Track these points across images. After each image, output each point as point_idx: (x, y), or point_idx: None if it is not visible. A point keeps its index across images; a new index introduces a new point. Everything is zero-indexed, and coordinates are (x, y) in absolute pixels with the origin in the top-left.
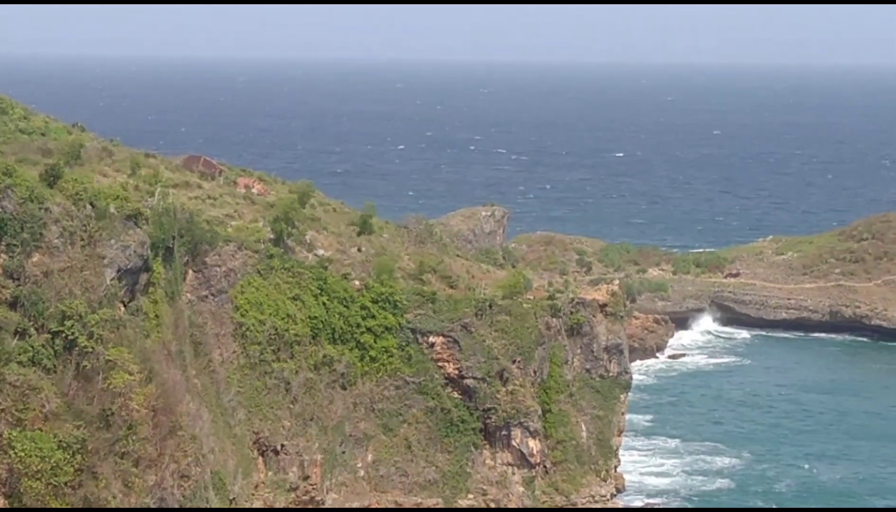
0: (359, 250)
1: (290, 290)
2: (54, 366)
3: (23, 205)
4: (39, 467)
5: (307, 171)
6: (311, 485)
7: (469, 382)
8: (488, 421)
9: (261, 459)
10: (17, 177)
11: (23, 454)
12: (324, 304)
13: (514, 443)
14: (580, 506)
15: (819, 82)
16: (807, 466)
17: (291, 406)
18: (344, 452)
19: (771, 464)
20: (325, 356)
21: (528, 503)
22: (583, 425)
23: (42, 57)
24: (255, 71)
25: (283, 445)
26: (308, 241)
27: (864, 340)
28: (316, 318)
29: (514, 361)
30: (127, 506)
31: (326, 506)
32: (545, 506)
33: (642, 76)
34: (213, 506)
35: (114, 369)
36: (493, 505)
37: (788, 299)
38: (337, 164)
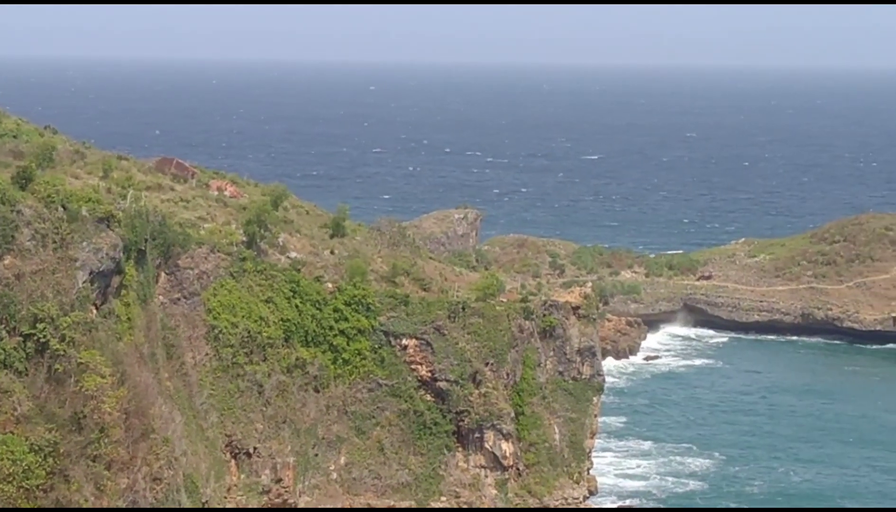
0: (332, 253)
1: (262, 292)
2: (26, 369)
3: None
4: (11, 470)
5: (281, 174)
6: (284, 488)
7: (442, 384)
8: (461, 423)
9: (233, 461)
10: None
11: None
12: (296, 306)
13: (486, 445)
14: (553, 507)
15: (793, 85)
16: (779, 468)
17: (264, 409)
18: (317, 455)
19: (743, 465)
20: (297, 359)
21: (501, 505)
22: (556, 428)
23: (13, 59)
24: (228, 73)
25: (255, 448)
26: (281, 243)
27: (837, 342)
28: (289, 320)
29: (486, 364)
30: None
31: (301, 507)
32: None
33: (616, 79)
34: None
35: (86, 372)
36: (465, 507)
37: (761, 302)
38: (312, 167)
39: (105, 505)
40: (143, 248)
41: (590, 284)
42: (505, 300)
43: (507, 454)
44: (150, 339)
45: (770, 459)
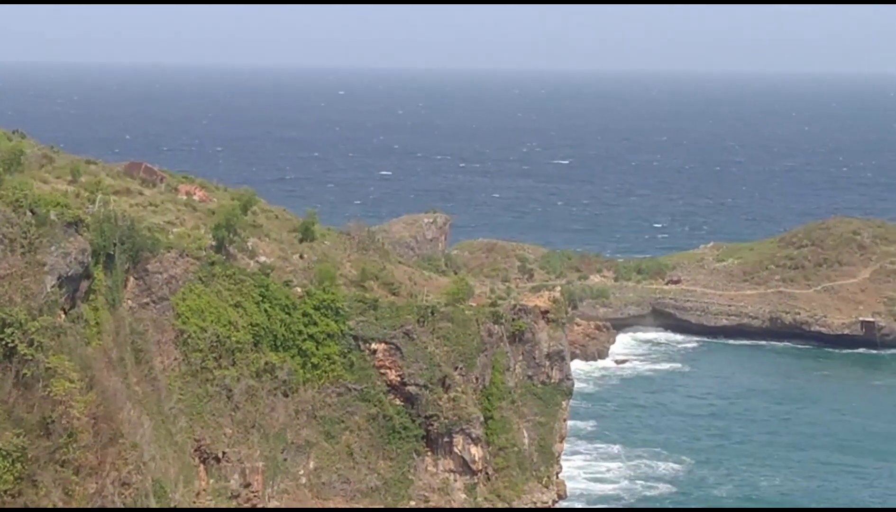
0: (301, 257)
1: (231, 297)
2: None
3: None
4: None
5: (251, 179)
6: (253, 492)
7: (411, 388)
8: (430, 428)
9: (202, 466)
10: None
11: None
12: (266, 311)
13: (456, 450)
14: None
15: (765, 90)
16: (748, 472)
17: (233, 413)
18: (286, 460)
19: (712, 470)
20: (266, 363)
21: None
22: (525, 432)
23: None
24: (199, 78)
25: (224, 453)
26: (250, 248)
27: (806, 346)
28: (258, 325)
29: (456, 368)
30: None
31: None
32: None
33: (587, 83)
34: None
35: (54, 377)
36: None
37: (729, 306)
38: (282, 172)
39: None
40: (112, 252)
41: (559, 289)
42: (474, 305)
43: (477, 458)
44: (119, 343)
45: (739, 464)
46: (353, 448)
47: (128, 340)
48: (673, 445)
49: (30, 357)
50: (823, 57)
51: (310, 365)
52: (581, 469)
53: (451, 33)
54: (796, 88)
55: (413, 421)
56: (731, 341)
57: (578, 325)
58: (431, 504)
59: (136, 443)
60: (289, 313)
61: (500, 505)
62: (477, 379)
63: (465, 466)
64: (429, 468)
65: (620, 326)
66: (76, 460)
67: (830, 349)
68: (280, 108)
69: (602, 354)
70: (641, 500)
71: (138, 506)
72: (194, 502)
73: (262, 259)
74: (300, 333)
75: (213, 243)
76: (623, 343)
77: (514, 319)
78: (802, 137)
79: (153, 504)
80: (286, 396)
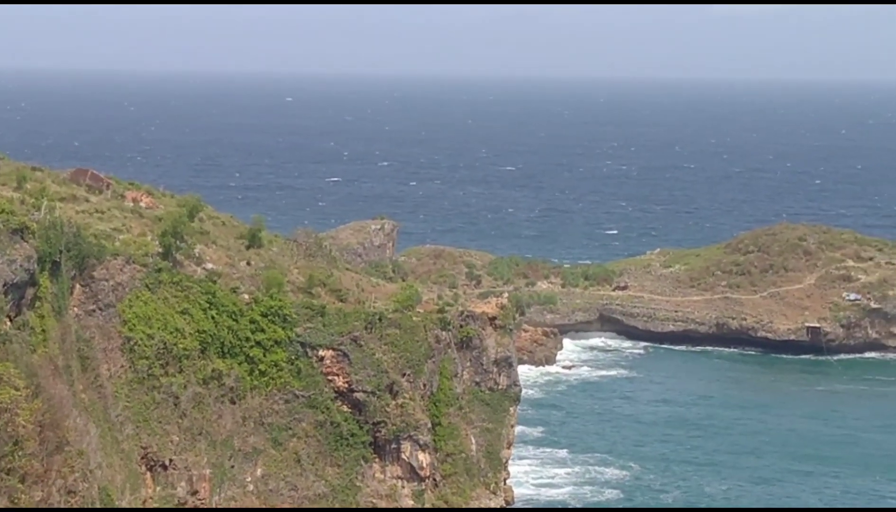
0: (248, 264)
1: (178, 304)
2: None
3: None
4: None
5: (198, 185)
6: (200, 500)
7: (359, 395)
8: (378, 434)
9: (149, 474)
10: None
11: None
12: (213, 317)
13: (403, 456)
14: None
15: (712, 96)
16: (694, 478)
17: (180, 421)
18: (233, 467)
19: (658, 475)
20: (214, 370)
21: None
22: (472, 438)
23: None
24: (147, 84)
25: (171, 460)
26: (197, 254)
27: (752, 352)
28: (205, 332)
29: (403, 375)
30: None
31: None
32: None
33: (539, 90)
34: None
35: None
36: None
37: (676, 312)
38: (229, 178)
39: None
40: (58, 259)
41: (506, 295)
42: (422, 311)
43: (424, 465)
44: (65, 351)
45: (685, 469)
46: (300, 455)
47: (74, 347)
48: (620, 451)
49: None
50: (773, 64)
51: (257, 372)
52: (528, 475)
53: (400, 38)
54: (745, 96)
55: (361, 427)
56: (677, 347)
57: (526, 331)
58: None
59: (82, 450)
60: (236, 320)
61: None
62: (424, 385)
63: (412, 473)
64: (376, 475)
65: (568, 332)
66: (22, 468)
67: (776, 355)
68: (227, 114)
69: (549, 361)
70: (588, 505)
71: None
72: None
73: (209, 266)
74: (247, 339)
75: (160, 250)
76: (570, 349)
77: (461, 326)
78: (751, 144)
79: None
80: (233, 403)
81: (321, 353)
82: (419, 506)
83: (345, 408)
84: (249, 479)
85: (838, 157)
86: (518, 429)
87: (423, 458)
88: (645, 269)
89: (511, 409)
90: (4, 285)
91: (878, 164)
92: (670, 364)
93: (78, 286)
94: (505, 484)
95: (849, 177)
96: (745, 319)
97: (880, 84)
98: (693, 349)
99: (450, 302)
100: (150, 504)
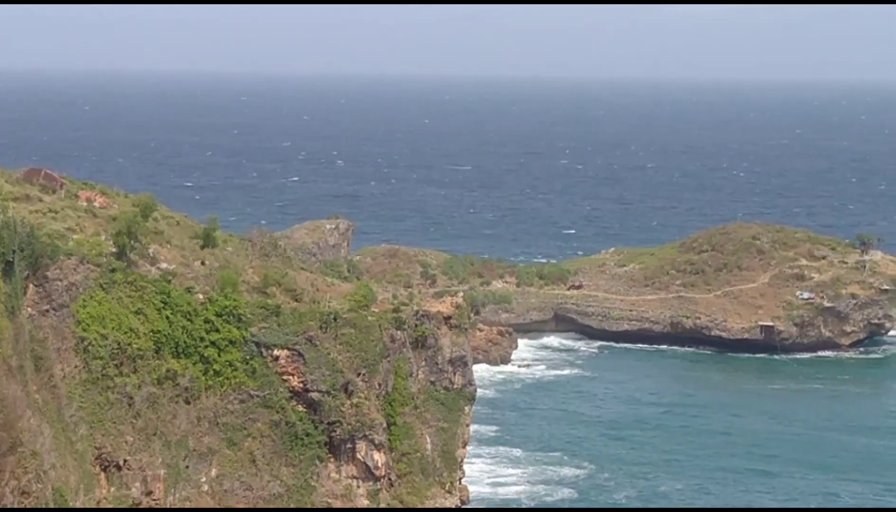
0: (202, 264)
1: (132, 303)
2: None
3: None
4: None
5: (152, 185)
6: (154, 500)
7: (314, 395)
8: (333, 434)
9: (103, 474)
10: None
11: None
12: (167, 317)
13: (358, 456)
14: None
15: (669, 96)
16: (648, 476)
17: (134, 421)
18: (188, 467)
19: (612, 474)
20: (168, 370)
21: None
22: (428, 438)
23: None
24: (100, 83)
25: (125, 461)
26: (151, 254)
27: (707, 351)
28: (159, 331)
29: (358, 374)
30: None
31: None
32: None
33: (495, 90)
34: None
35: None
36: None
37: (630, 311)
38: (184, 177)
39: None
40: (11, 259)
41: (461, 294)
42: (377, 311)
43: (380, 464)
44: (18, 351)
45: (639, 468)
46: (255, 455)
47: (27, 347)
48: (574, 450)
49: None
50: (730, 64)
51: (212, 372)
52: (483, 474)
53: (355, 38)
54: (703, 96)
55: (316, 427)
56: (632, 346)
57: (481, 330)
58: None
59: (35, 451)
60: (190, 320)
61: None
62: (380, 385)
63: (368, 473)
64: (332, 475)
65: (523, 331)
66: None
67: (731, 354)
68: (183, 113)
69: (505, 360)
70: (542, 504)
71: None
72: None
73: (164, 266)
74: (202, 339)
75: (114, 250)
76: (525, 348)
77: (416, 325)
78: (709, 144)
79: None
80: (188, 403)
81: (276, 352)
82: (375, 506)
83: (300, 408)
84: (204, 479)
85: (796, 157)
86: (473, 428)
87: (379, 457)
88: (600, 268)
89: (466, 408)
90: None
91: (837, 164)
92: (625, 363)
93: (31, 286)
94: (460, 483)
95: (806, 176)
96: (700, 318)
97: (841, 84)
98: (648, 348)
99: (405, 301)
100: (105, 505)
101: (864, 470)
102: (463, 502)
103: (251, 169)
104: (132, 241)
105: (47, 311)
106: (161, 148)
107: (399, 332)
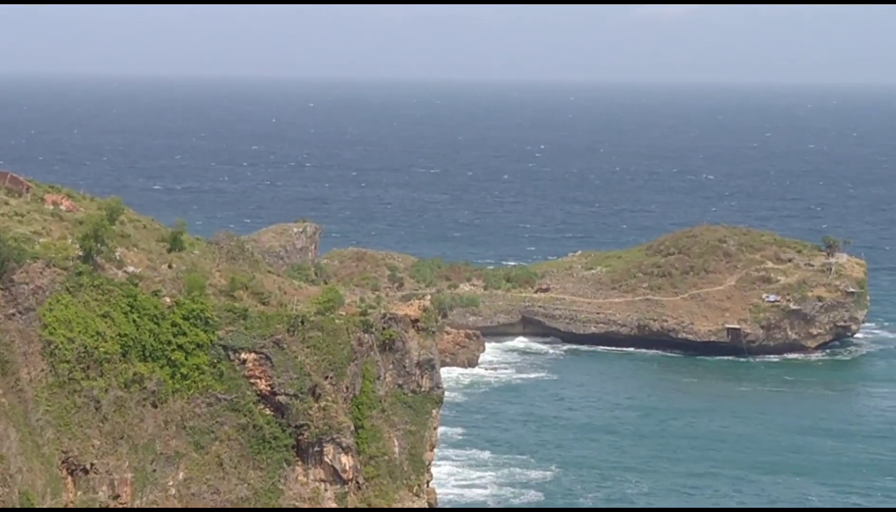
0: (169, 267)
1: (99, 307)
2: None
3: None
4: None
5: (119, 188)
6: (122, 504)
7: (281, 398)
8: (301, 437)
9: (70, 478)
10: None
11: None
12: (134, 321)
13: (326, 459)
14: None
15: (638, 99)
16: (615, 480)
17: (101, 425)
18: (155, 471)
19: (579, 477)
20: (135, 374)
21: None
22: (395, 441)
23: None
24: (67, 86)
25: (92, 464)
26: (118, 258)
27: (674, 354)
28: (126, 335)
29: (326, 377)
30: None
31: None
32: None
33: (463, 93)
34: None
35: None
36: None
37: (597, 314)
38: (151, 181)
39: None
40: None
41: (429, 297)
42: (344, 314)
43: (347, 468)
44: None
45: (606, 471)
46: (222, 458)
47: None
48: (542, 453)
49: None
50: (698, 66)
51: (179, 375)
52: (450, 476)
53: (322, 40)
54: (671, 98)
55: (283, 431)
56: (599, 349)
57: (448, 333)
58: None
59: (2, 455)
60: (157, 323)
61: None
62: (347, 388)
63: (335, 476)
64: (299, 478)
65: (490, 334)
66: None
67: (698, 356)
68: (151, 116)
69: (472, 363)
70: (510, 507)
71: None
72: None
73: (131, 269)
74: (169, 343)
75: (81, 253)
76: (493, 351)
77: (384, 328)
78: (677, 147)
79: None
80: (155, 406)
81: (243, 356)
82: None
83: (267, 411)
84: (171, 482)
85: (760, 160)
86: (441, 431)
87: (346, 460)
88: (567, 271)
89: (434, 411)
90: None
91: (805, 167)
92: (592, 366)
93: None
94: (428, 486)
95: (774, 178)
96: (667, 321)
97: (809, 87)
98: (615, 351)
99: (372, 304)
100: (72, 508)
101: (833, 473)
102: (431, 505)
103: (220, 172)
104: (99, 245)
105: (13, 314)
106: (130, 151)
107: (367, 335)
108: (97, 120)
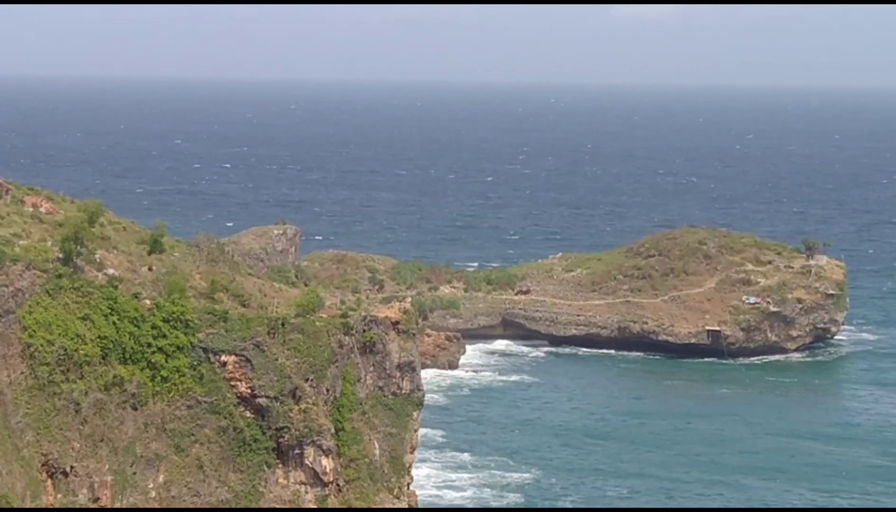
0: (149, 269)
1: (79, 309)
2: None
3: None
4: None
5: (99, 190)
6: (102, 507)
7: (262, 400)
8: (281, 440)
9: (50, 481)
10: None
11: None
12: (114, 323)
13: (307, 461)
14: None
15: (619, 101)
16: (596, 482)
17: (81, 427)
18: (135, 474)
19: (559, 479)
20: (115, 376)
21: None
22: (376, 443)
23: None
24: (43, 88)
25: (72, 467)
26: (98, 260)
27: (654, 356)
28: (106, 337)
29: (306, 380)
30: None
31: None
32: None
33: (444, 95)
34: None
35: None
36: None
37: (578, 316)
38: (132, 183)
39: None
40: None
41: (409, 300)
42: (324, 316)
43: (328, 470)
44: None
45: (586, 473)
46: (203, 461)
47: None
48: (522, 456)
49: None
50: (679, 68)
51: (159, 378)
52: (431, 478)
53: (301, 41)
54: (652, 99)
55: (264, 433)
56: (580, 351)
57: (429, 335)
58: None
59: None
60: (137, 326)
61: None
62: (328, 390)
63: (316, 478)
64: (280, 480)
65: (471, 336)
66: None
67: (678, 358)
68: (132, 118)
69: (453, 365)
70: (490, 509)
71: None
72: None
73: (111, 271)
74: (149, 345)
75: (61, 256)
76: (473, 353)
77: (364, 331)
78: (659, 149)
79: None
80: (135, 409)
81: (224, 358)
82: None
83: (248, 413)
84: (152, 485)
85: (746, 161)
86: (421, 433)
87: (327, 463)
88: (547, 273)
89: (414, 413)
90: None
91: (787, 169)
92: (573, 368)
93: None
94: (408, 488)
95: (756, 181)
96: (647, 323)
97: (791, 90)
98: (595, 353)
99: (353, 307)
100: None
101: (814, 474)
102: (411, 507)
103: (201, 174)
104: (79, 247)
105: None
106: (111, 153)
107: (347, 337)
108: (78, 122)
